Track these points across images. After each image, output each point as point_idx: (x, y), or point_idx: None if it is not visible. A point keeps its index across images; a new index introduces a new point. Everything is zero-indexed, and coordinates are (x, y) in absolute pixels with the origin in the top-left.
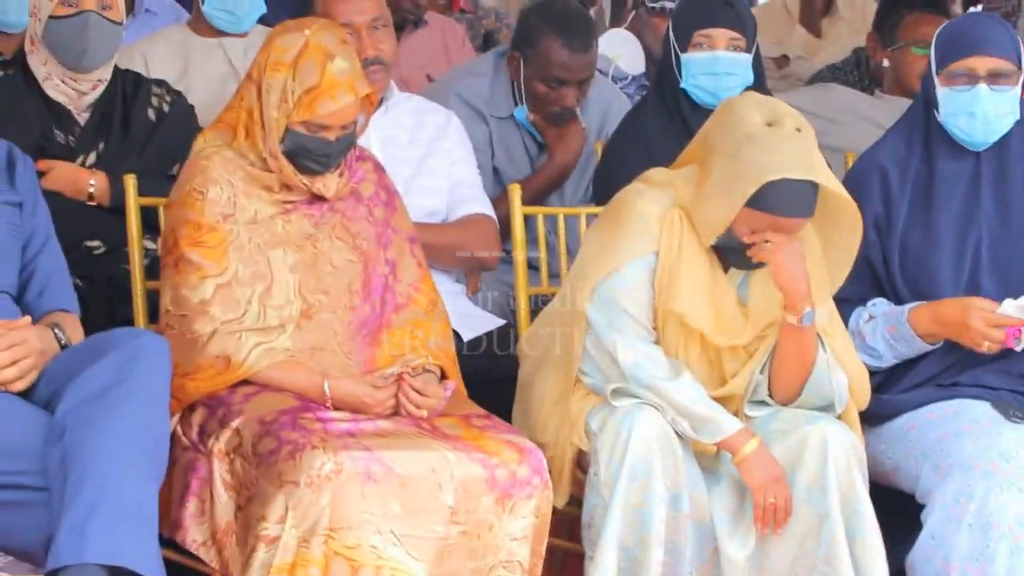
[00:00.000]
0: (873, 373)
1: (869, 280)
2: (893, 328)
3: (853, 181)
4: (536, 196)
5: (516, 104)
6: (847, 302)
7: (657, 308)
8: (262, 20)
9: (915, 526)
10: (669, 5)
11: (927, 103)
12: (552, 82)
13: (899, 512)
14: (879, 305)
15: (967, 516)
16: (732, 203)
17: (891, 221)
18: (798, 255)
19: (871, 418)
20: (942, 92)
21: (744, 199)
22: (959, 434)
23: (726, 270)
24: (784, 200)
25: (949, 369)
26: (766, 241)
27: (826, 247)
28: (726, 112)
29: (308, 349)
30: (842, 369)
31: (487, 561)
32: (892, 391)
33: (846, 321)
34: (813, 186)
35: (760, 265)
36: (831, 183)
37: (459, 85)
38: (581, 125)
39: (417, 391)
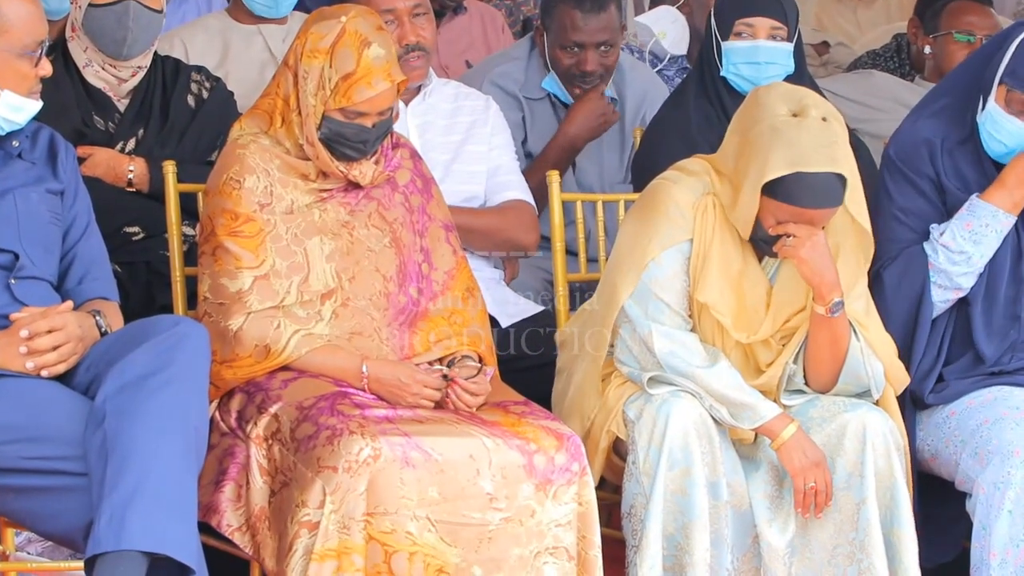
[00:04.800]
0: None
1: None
2: (970, 223)
3: (899, 150)
4: (551, 166)
5: None
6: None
7: (692, 296)
8: (299, 7)
9: (953, 515)
10: None
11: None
12: (570, 46)
13: (938, 500)
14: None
15: (1007, 503)
16: (753, 194)
17: (943, 188)
18: (822, 247)
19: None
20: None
21: (761, 190)
22: (998, 421)
23: (761, 259)
24: (805, 191)
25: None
26: (788, 235)
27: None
28: (753, 102)
29: (346, 335)
30: (877, 357)
31: (532, 548)
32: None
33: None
34: (838, 176)
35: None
36: (852, 175)
37: (493, 71)
38: (602, 97)
39: (468, 390)
